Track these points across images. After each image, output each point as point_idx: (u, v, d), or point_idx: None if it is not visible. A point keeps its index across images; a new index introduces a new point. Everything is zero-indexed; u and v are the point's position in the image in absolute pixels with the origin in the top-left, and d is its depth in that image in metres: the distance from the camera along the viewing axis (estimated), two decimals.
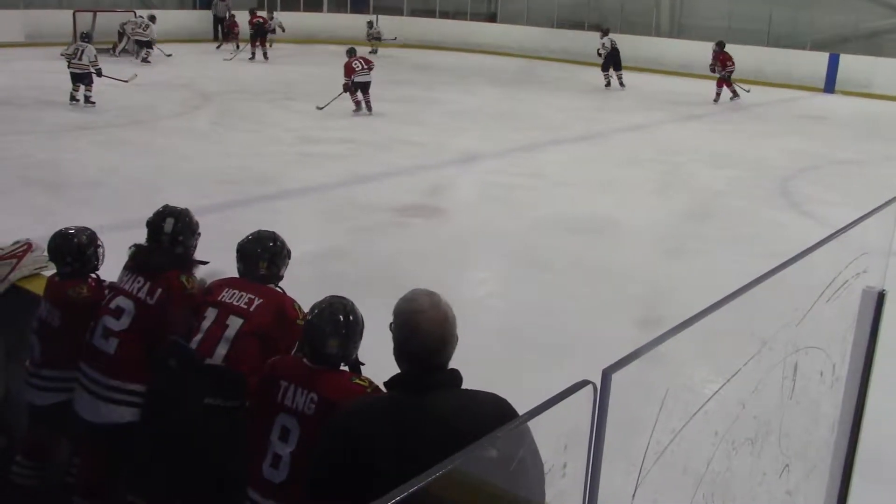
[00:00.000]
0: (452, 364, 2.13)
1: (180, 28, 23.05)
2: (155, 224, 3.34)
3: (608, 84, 18.29)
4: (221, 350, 2.98)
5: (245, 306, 3.04)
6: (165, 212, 3.37)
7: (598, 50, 18.38)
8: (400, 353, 2.08)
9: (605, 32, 18.48)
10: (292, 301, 3.15)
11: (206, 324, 3.05)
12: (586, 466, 1.30)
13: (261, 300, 3.07)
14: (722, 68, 16.50)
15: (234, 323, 3.01)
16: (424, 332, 2.03)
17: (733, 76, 16.59)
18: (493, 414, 1.98)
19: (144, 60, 18.93)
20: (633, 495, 1.44)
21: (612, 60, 18.18)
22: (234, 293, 3.10)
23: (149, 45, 19.38)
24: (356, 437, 2.09)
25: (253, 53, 20.58)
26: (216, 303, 3.09)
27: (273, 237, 3.31)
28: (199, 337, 3.04)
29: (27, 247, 3.83)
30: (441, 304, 2.08)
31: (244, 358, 2.95)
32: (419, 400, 2.02)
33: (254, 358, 2.94)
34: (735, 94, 16.61)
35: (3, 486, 3.49)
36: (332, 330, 2.60)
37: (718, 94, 16.64)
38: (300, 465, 2.49)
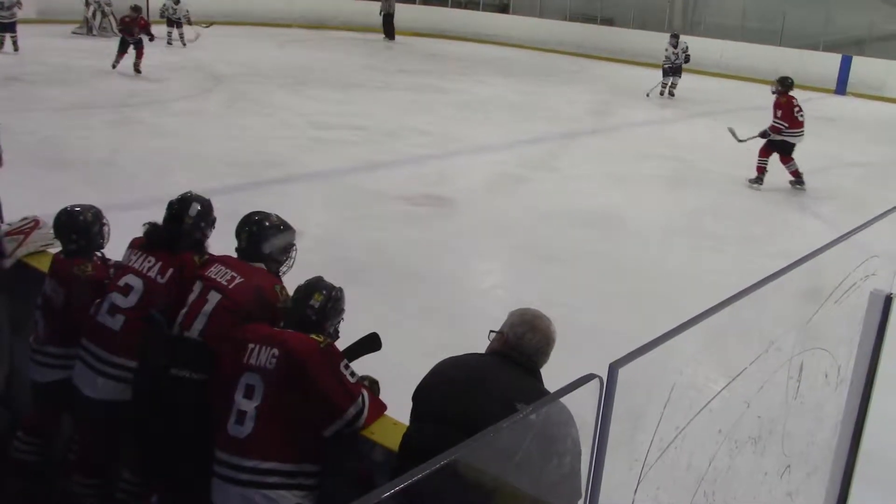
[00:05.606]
0: None
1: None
2: (180, 207, 3.35)
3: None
4: (198, 325, 3.00)
5: (225, 283, 3.05)
6: (192, 197, 3.40)
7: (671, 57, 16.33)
8: (511, 345, 2.39)
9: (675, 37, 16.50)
10: (274, 283, 3.13)
11: (191, 297, 3.08)
12: (590, 459, 1.30)
13: (241, 279, 3.07)
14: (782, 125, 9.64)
15: (213, 298, 3.03)
16: (540, 333, 2.41)
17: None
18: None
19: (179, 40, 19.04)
20: (636, 490, 1.44)
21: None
22: (220, 269, 3.11)
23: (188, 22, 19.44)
24: (436, 378, 2.41)
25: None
26: (203, 277, 3.11)
27: (277, 217, 3.31)
28: (184, 311, 3.07)
29: (34, 223, 3.84)
30: (551, 324, 2.47)
31: (218, 333, 2.95)
32: (505, 367, 2.35)
33: (227, 333, 2.94)
34: (797, 179, 9.72)
35: (4, 462, 3.50)
36: (319, 290, 2.77)
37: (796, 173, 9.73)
38: (266, 418, 2.57)
